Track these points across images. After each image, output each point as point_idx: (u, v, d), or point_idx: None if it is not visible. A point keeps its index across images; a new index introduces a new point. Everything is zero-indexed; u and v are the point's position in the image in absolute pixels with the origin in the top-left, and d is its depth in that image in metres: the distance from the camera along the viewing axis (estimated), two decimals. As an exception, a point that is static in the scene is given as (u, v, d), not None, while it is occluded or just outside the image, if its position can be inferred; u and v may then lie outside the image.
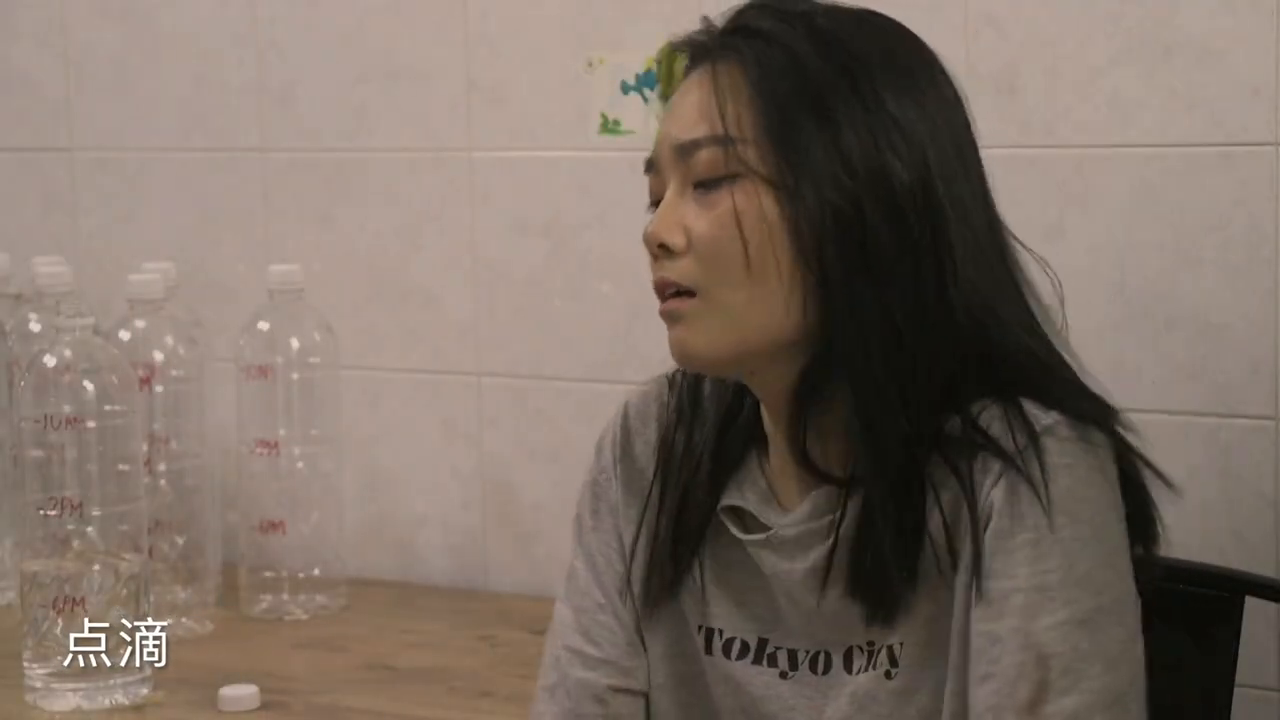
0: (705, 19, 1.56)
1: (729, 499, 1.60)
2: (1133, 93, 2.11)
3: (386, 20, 2.59)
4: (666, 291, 1.52)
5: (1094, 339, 2.13)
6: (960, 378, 1.49)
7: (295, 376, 2.48)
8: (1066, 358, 1.55)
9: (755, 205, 1.48)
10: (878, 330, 1.47)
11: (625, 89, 2.42)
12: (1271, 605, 1.98)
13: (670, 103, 1.56)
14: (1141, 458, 1.53)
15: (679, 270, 1.51)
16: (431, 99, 2.57)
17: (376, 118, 2.61)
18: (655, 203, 1.55)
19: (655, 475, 1.64)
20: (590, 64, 2.45)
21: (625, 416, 1.67)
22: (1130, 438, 1.53)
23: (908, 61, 1.53)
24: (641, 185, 1.57)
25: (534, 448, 2.54)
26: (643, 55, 2.41)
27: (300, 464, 2.48)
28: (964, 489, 1.47)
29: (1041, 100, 2.16)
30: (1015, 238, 1.55)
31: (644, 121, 2.40)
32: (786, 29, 1.51)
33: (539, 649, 2.36)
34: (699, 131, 1.50)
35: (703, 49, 1.54)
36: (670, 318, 1.52)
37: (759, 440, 1.60)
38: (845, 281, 1.47)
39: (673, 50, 1.59)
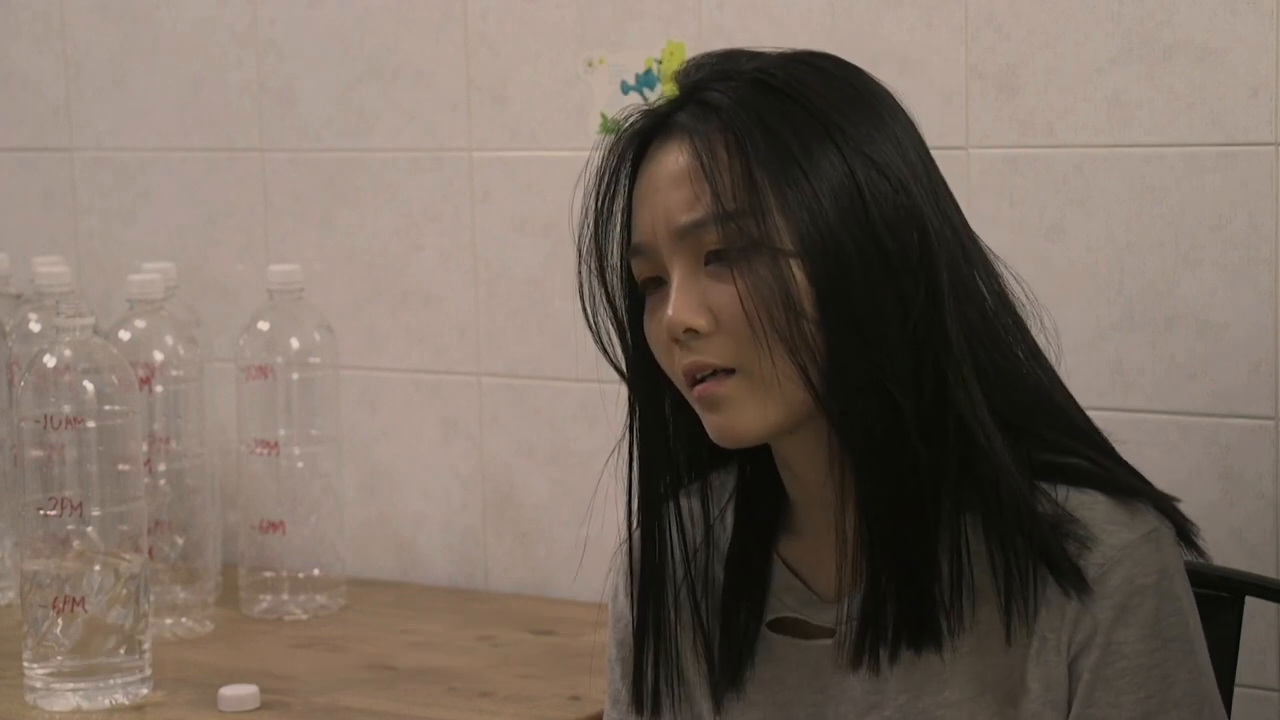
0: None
1: (773, 611, 1.57)
2: (1133, 93, 2.11)
3: (386, 20, 2.59)
4: (699, 374, 1.48)
5: (1094, 339, 2.13)
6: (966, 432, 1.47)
7: (295, 376, 2.48)
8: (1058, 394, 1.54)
9: (770, 271, 1.44)
10: (881, 372, 1.46)
11: (625, 89, 2.42)
12: (1271, 605, 1.98)
13: (646, 181, 1.51)
14: (1184, 525, 1.54)
15: (713, 351, 1.47)
16: (431, 99, 2.57)
17: (376, 118, 2.61)
18: (644, 283, 1.52)
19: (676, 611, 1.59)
20: (590, 64, 2.45)
21: (629, 561, 1.62)
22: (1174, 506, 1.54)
23: (867, 96, 1.51)
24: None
25: (534, 448, 2.54)
26: (643, 55, 2.41)
27: (300, 464, 2.48)
28: (1068, 584, 1.47)
29: (1041, 100, 2.16)
30: (994, 254, 1.55)
31: (644, 121, 2.40)
32: (746, 90, 1.48)
33: (539, 649, 2.37)
34: (697, 212, 1.47)
35: (668, 124, 1.51)
36: (709, 404, 1.48)
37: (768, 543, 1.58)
38: (852, 322, 1.45)
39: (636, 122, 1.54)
